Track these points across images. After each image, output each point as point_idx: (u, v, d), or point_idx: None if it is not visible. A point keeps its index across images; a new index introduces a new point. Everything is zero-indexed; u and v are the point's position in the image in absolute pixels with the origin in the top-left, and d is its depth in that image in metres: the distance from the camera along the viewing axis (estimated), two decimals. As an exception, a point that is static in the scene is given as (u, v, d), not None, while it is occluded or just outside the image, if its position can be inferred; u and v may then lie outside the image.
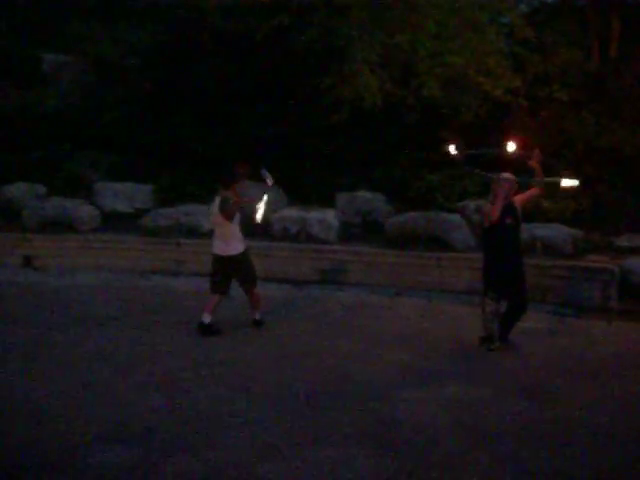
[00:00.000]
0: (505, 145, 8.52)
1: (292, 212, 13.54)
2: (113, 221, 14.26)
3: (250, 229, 10.74)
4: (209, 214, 9.29)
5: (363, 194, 14.06)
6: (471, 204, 13.23)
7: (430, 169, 14.20)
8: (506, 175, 8.15)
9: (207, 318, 8.68)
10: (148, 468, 4.79)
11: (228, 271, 8.93)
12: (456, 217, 12.83)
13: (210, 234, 13.28)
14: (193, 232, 13.32)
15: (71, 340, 8.08)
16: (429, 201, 13.64)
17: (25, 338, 8.10)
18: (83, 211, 14.00)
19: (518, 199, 8.19)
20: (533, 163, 8.14)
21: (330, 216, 13.38)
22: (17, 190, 14.67)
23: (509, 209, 8.05)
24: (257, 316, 9.09)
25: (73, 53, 18.29)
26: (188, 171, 14.98)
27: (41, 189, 14.84)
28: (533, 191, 8.34)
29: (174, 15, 17.26)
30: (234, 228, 8.96)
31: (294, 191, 14.52)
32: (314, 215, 13.28)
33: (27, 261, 13.04)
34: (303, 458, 5.01)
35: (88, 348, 7.77)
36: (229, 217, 8.78)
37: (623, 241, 12.18)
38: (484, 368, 7.48)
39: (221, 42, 16.35)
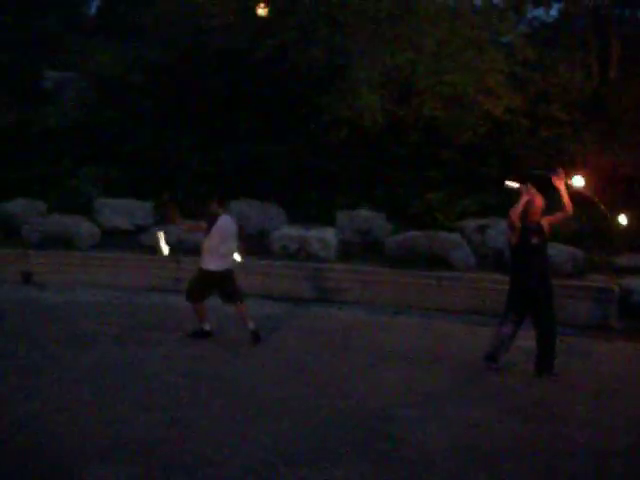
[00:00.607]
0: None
1: (292, 230, 13.55)
2: (113, 238, 14.27)
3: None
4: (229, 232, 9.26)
5: (363, 213, 14.08)
6: (471, 223, 13.24)
7: (430, 188, 14.22)
8: (537, 194, 8.00)
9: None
10: (145, 486, 4.76)
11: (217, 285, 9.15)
12: (456, 236, 12.83)
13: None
14: (193, 250, 13.27)
15: (69, 356, 8.04)
16: (429, 220, 13.65)
17: (24, 354, 8.06)
18: (83, 228, 14.00)
19: (546, 221, 8.04)
20: (558, 182, 7.96)
21: (330, 234, 13.38)
22: (17, 206, 14.68)
23: (536, 229, 7.88)
24: (251, 327, 9.09)
25: (75, 70, 18.36)
26: (188, 188, 15.00)
27: (41, 205, 14.86)
28: (560, 214, 8.08)
29: (176, 33, 17.35)
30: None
31: (294, 209, 14.55)
32: (314, 233, 13.28)
33: (26, 277, 13.01)
34: (301, 477, 4.96)
35: (87, 364, 7.73)
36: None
37: (623, 260, 12.18)
38: (484, 387, 7.45)
39: (222, 60, 16.42)
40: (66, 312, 10.63)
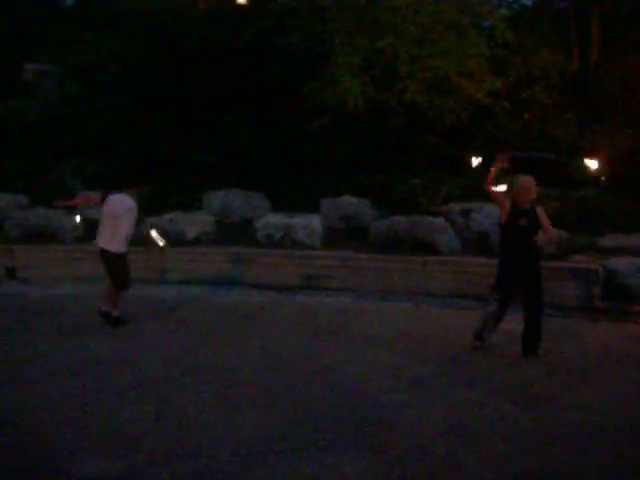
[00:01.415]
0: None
1: (276, 218, 13.52)
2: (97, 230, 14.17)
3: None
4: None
5: (347, 199, 14.06)
6: (456, 207, 13.25)
7: (414, 173, 14.23)
8: (524, 178, 8.06)
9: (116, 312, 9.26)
10: (136, 478, 4.74)
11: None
12: (441, 220, 12.84)
13: (194, 242, 13.33)
14: (177, 240, 13.25)
15: (55, 350, 8.01)
16: (413, 205, 13.66)
17: (9, 349, 8.03)
18: (66, 221, 13.91)
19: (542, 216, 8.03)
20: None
21: (314, 221, 13.37)
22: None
23: (526, 212, 7.94)
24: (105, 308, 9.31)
25: (55, 62, 18.20)
26: (172, 179, 14.94)
27: (24, 199, 14.75)
28: (546, 235, 7.98)
29: (156, 23, 17.24)
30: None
31: (278, 197, 14.52)
32: (298, 221, 13.26)
33: (10, 272, 12.94)
34: (290, 465, 4.97)
35: (72, 358, 7.71)
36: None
37: (607, 241, 12.23)
38: (472, 370, 7.47)
39: (203, 49, 16.33)
40: (51, 306, 10.58)
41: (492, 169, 8.00)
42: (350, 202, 13.99)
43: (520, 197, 7.93)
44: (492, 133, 14.78)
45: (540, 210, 8.08)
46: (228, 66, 16.10)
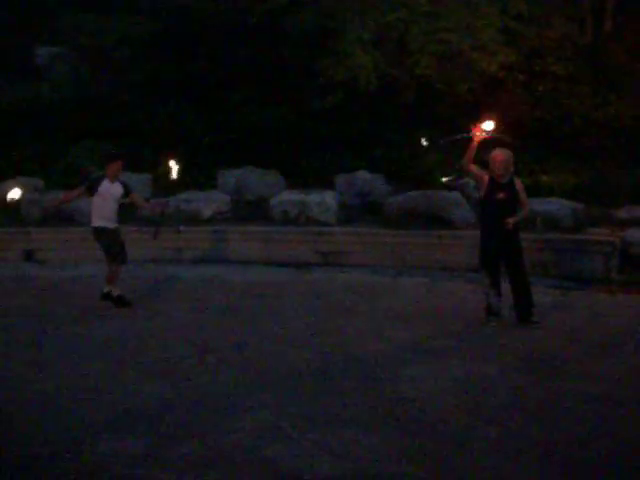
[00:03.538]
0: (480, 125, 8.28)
1: (291, 195, 13.52)
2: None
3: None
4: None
5: (362, 175, 14.03)
6: (471, 181, 13.20)
7: (428, 147, 14.16)
8: (498, 151, 8.12)
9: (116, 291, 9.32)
10: (156, 455, 4.78)
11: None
12: (456, 194, 12.82)
13: (210, 221, 13.35)
14: (193, 219, 13.28)
15: (75, 331, 8.07)
16: (428, 180, 13.62)
17: (30, 330, 8.09)
18: (82, 203, 13.94)
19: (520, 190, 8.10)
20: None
21: (329, 198, 13.36)
22: (16, 184, 14.63)
23: (504, 186, 7.98)
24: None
25: (67, 45, 18.20)
26: (186, 158, 14.94)
27: (39, 183, 14.80)
28: (521, 211, 8.14)
29: (167, 2, 17.20)
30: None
31: (292, 174, 14.50)
32: (313, 197, 13.25)
33: (28, 255, 13.02)
34: (311, 439, 5.00)
35: (92, 338, 7.77)
36: None
37: (623, 213, 12.17)
38: (489, 344, 7.49)
39: (215, 28, 16.28)
40: (69, 287, 10.66)
41: (470, 147, 8.05)
42: (365, 178, 13.97)
43: (495, 170, 7.97)
44: (506, 106, 14.67)
45: (519, 184, 8.09)
46: (240, 44, 16.05)
